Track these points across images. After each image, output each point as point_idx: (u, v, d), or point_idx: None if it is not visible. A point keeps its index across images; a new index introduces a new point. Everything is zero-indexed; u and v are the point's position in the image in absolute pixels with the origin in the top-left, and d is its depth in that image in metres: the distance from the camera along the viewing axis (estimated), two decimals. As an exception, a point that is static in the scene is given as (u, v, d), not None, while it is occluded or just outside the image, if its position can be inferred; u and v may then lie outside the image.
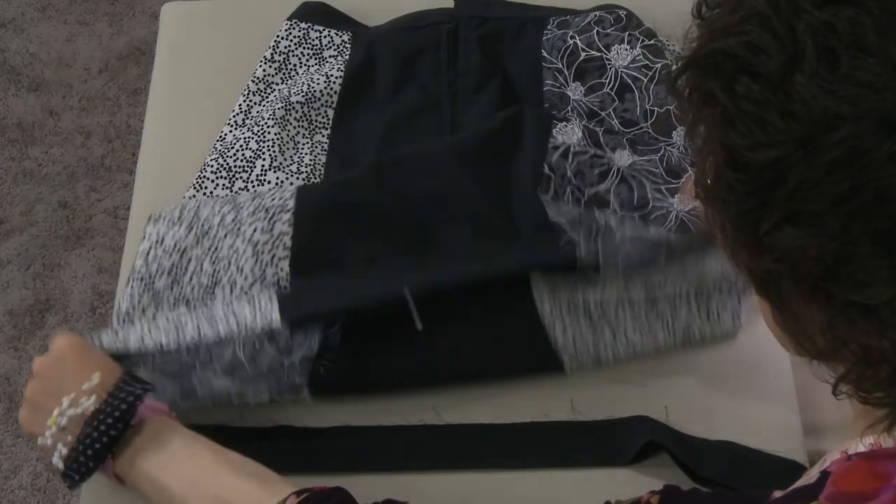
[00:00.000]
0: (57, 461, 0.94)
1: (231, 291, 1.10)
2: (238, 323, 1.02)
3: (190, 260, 1.12)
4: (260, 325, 1.02)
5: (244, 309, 1.03)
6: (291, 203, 1.13)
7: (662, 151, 1.18)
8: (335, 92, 1.27)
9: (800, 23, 0.61)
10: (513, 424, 1.05)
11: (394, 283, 1.04)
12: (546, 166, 1.15)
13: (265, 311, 1.03)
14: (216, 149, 1.24)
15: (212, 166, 1.22)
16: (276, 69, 1.30)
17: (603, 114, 1.22)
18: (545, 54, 1.27)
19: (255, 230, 1.12)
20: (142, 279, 1.11)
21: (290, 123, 1.24)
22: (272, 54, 1.31)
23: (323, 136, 1.26)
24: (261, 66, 1.30)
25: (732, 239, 0.68)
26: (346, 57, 1.31)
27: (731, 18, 0.64)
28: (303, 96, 1.25)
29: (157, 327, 1.03)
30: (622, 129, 1.21)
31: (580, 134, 1.19)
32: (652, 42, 1.24)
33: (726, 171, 0.65)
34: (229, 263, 1.12)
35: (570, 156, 1.16)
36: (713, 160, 0.66)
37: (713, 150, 0.66)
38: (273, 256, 1.12)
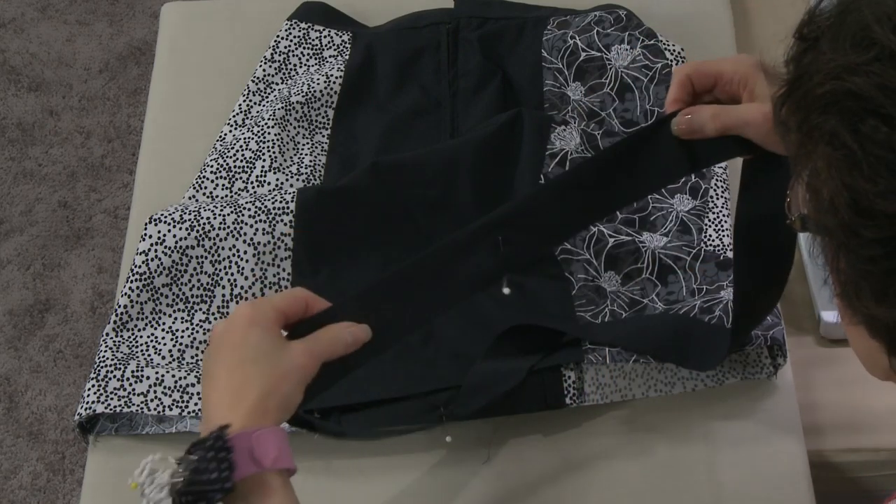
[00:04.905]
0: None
1: (231, 291, 1.11)
2: None
3: (190, 260, 1.12)
4: None
5: None
6: (292, 205, 1.14)
7: (662, 151, 1.18)
8: (335, 92, 1.27)
9: None
10: None
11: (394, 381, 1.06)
12: (542, 177, 1.15)
13: None
14: (216, 149, 1.24)
15: (211, 166, 1.22)
16: (276, 69, 1.30)
17: (603, 114, 1.22)
18: (545, 54, 1.26)
19: (256, 232, 1.12)
20: (141, 276, 1.11)
21: (290, 123, 1.24)
22: (272, 54, 1.31)
23: (323, 136, 1.26)
24: (261, 66, 1.30)
25: (849, 279, 0.63)
26: (346, 57, 1.30)
27: (858, 57, 0.60)
28: (303, 96, 1.25)
29: (165, 391, 1.05)
30: (622, 129, 1.21)
31: (578, 139, 1.19)
32: (652, 42, 1.24)
33: (849, 212, 0.60)
34: (230, 264, 1.12)
35: (568, 164, 1.16)
36: (830, 195, 0.61)
37: (832, 187, 0.61)
38: (275, 257, 1.12)
